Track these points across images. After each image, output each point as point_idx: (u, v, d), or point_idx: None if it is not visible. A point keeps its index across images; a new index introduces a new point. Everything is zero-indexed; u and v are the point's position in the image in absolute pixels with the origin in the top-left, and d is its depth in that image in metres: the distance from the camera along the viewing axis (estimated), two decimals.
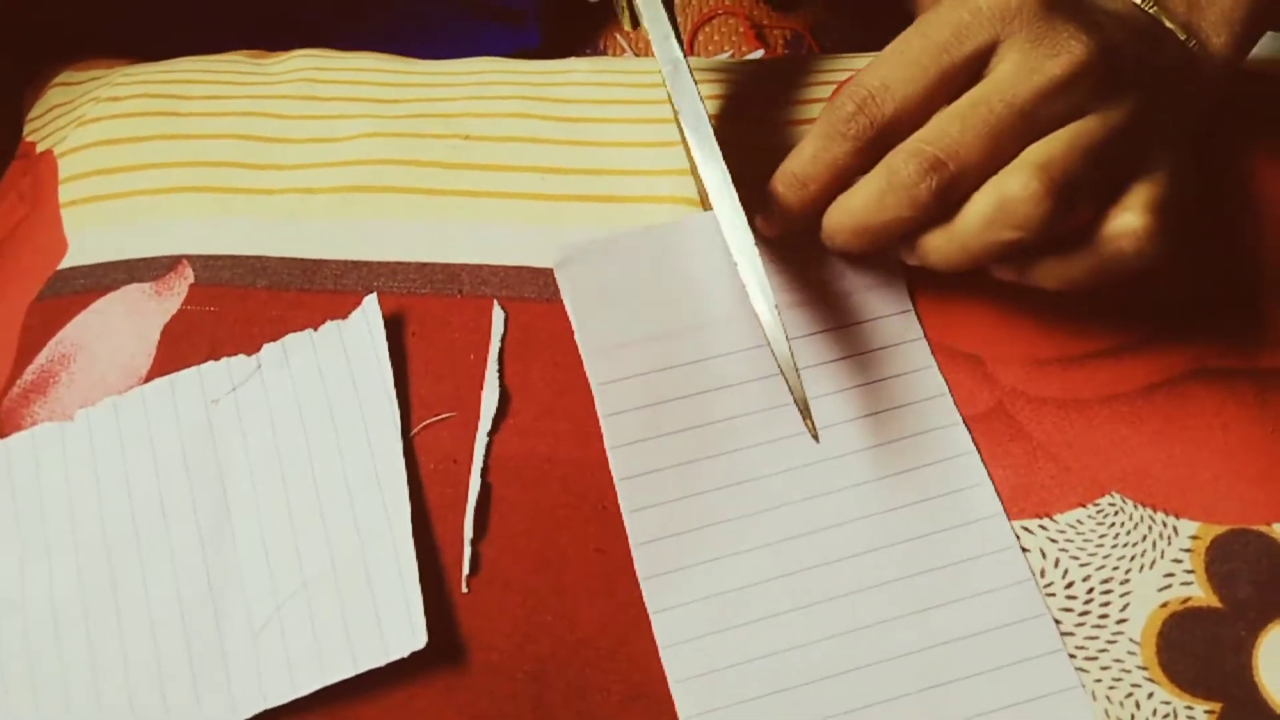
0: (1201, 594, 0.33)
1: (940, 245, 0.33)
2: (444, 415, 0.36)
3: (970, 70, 0.33)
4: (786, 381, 0.31)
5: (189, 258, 0.40)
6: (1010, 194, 0.31)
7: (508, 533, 0.35)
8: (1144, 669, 0.32)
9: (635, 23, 0.40)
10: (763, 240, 0.38)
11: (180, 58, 0.50)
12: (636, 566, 0.34)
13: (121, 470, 0.36)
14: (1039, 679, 0.32)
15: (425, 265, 0.39)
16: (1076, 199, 0.32)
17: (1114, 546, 0.34)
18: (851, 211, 0.34)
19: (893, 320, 0.37)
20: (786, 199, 0.35)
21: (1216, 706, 0.32)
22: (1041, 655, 0.32)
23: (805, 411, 0.31)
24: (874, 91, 0.33)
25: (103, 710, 0.33)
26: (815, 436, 0.31)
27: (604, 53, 0.62)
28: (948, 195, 0.32)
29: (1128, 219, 0.32)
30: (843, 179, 0.34)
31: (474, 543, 0.35)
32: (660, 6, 0.37)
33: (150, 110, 0.46)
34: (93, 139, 0.45)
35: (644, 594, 0.34)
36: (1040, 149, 0.32)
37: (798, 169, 0.35)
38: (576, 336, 0.37)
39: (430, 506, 0.35)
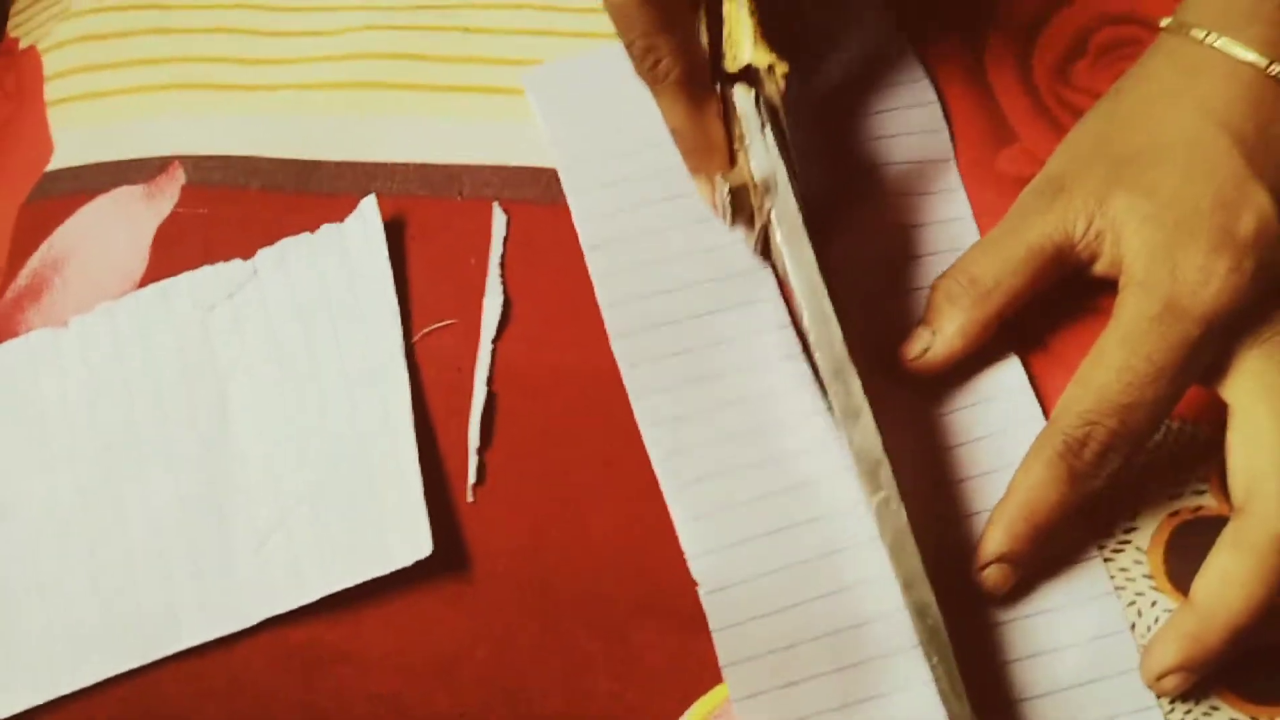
0: (1213, 503, 0.33)
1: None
2: (446, 322, 0.36)
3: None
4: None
5: (180, 158, 0.39)
6: None
7: (513, 442, 0.34)
8: (1149, 578, 0.32)
9: (766, 253, 0.35)
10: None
11: None
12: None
13: (119, 378, 0.35)
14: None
15: (425, 166, 0.38)
16: None
17: None
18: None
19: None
20: (1022, 550, 0.31)
21: None
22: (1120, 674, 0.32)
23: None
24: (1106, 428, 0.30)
25: (109, 616, 0.33)
26: None
27: None
28: None
29: None
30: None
31: (479, 452, 0.34)
32: (822, 290, 0.31)
33: (139, 3, 0.44)
34: (78, 34, 0.44)
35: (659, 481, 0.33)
36: None
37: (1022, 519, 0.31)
38: (553, 151, 0.37)
39: (434, 415, 0.35)
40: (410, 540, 0.32)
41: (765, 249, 0.35)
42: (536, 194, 0.37)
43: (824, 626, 0.32)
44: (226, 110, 0.40)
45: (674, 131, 0.34)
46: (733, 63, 0.33)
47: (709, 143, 0.33)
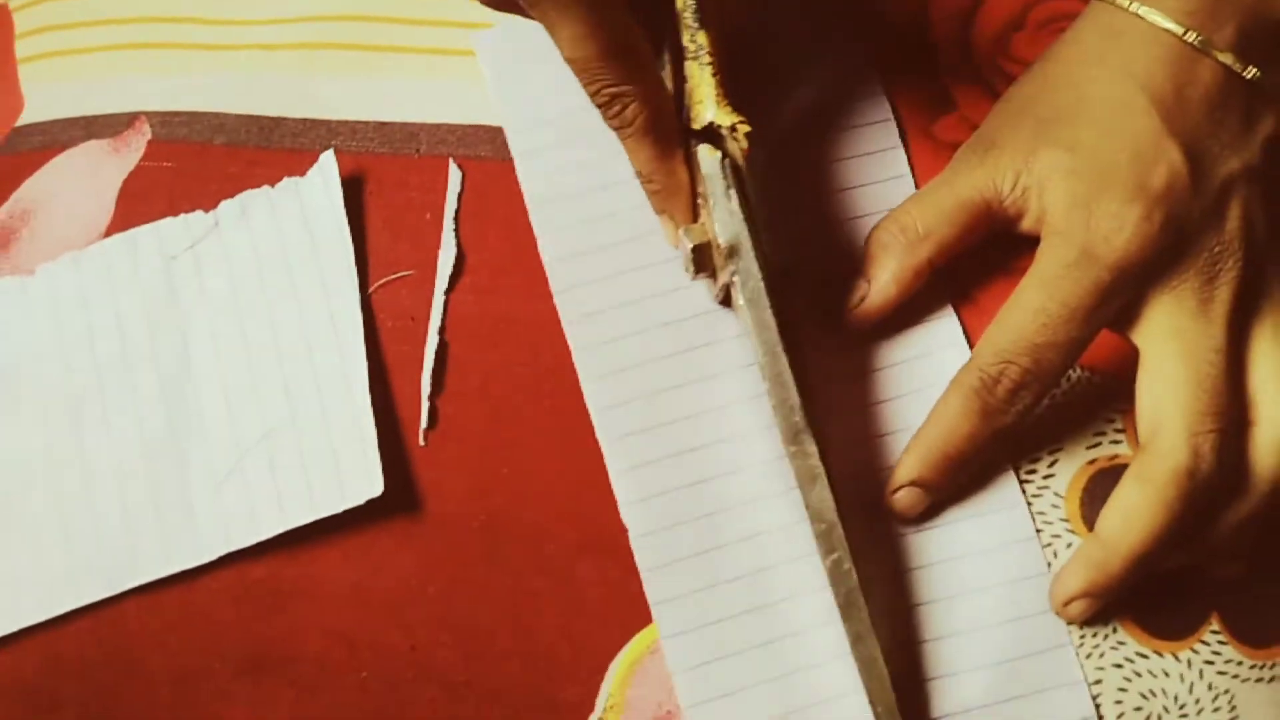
0: (1129, 452, 0.34)
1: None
2: (402, 273, 0.37)
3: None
4: None
5: (147, 114, 0.40)
6: None
7: (464, 389, 0.36)
8: (1066, 521, 0.34)
9: (727, 302, 0.35)
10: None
11: None
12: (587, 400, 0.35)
13: (84, 324, 0.36)
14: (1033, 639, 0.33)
15: (384, 124, 0.39)
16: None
17: (1047, 405, 0.35)
18: None
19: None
20: (931, 478, 0.33)
21: None
22: (1039, 614, 0.33)
23: None
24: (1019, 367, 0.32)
25: (74, 550, 0.34)
26: None
27: None
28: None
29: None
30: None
31: (431, 397, 0.36)
32: (781, 356, 0.31)
33: None
34: None
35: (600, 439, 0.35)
36: None
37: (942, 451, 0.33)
38: (501, 112, 0.38)
39: (388, 362, 0.36)
40: (363, 480, 0.34)
41: (727, 300, 0.35)
42: (491, 151, 0.38)
43: (742, 568, 0.34)
44: (192, 68, 0.41)
45: (639, 174, 0.34)
46: (696, 120, 0.33)
47: (675, 185, 0.33)
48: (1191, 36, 0.33)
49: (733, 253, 0.32)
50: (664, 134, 0.32)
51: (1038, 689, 0.32)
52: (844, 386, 0.35)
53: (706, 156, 0.32)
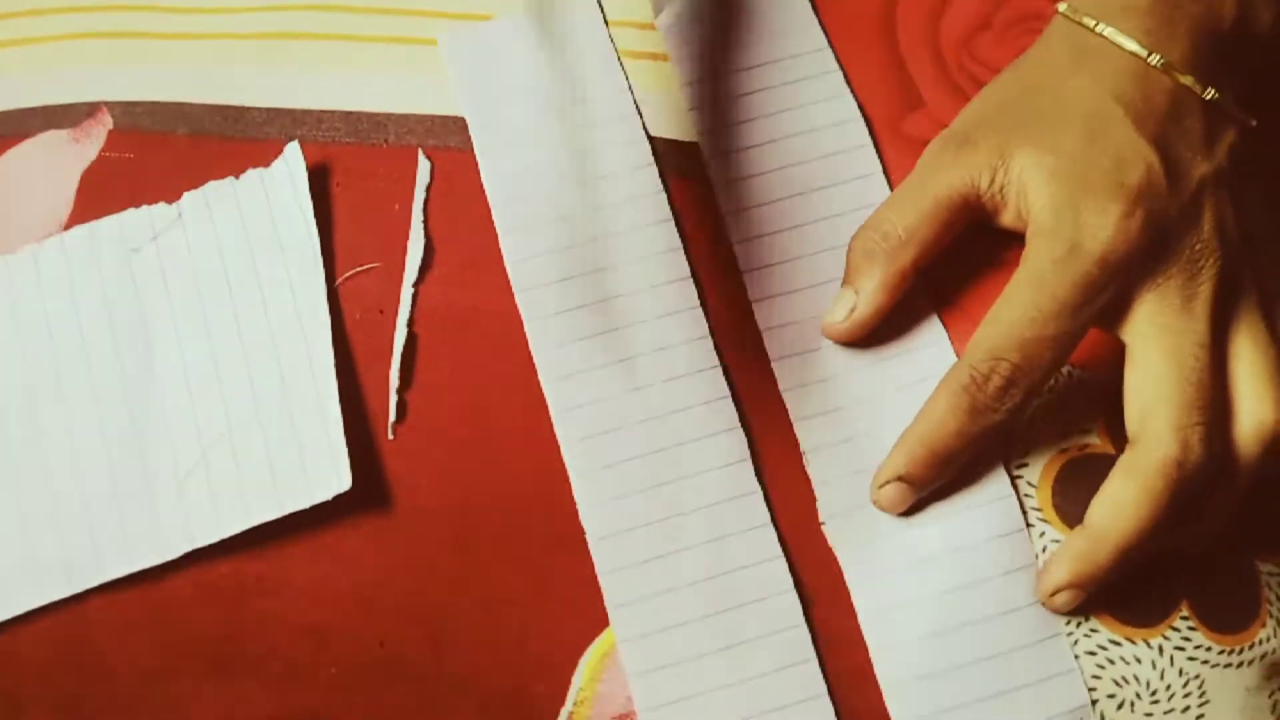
0: (1098, 441, 0.34)
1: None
2: (369, 265, 0.37)
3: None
4: None
5: (107, 104, 0.40)
6: None
7: (433, 382, 0.36)
8: (1038, 510, 0.34)
9: None
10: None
11: None
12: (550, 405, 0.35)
13: (43, 318, 0.36)
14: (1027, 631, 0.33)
15: (351, 114, 0.39)
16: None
17: None
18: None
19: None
20: (917, 474, 0.33)
21: None
22: (1030, 605, 0.33)
23: None
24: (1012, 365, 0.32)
25: (33, 549, 0.34)
26: None
27: None
28: None
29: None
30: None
31: (400, 391, 0.35)
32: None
33: None
34: None
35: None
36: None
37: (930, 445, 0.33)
38: (465, 109, 0.38)
39: (356, 355, 0.36)
40: (330, 474, 0.33)
41: None
42: (460, 142, 0.38)
43: (699, 573, 0.34)
44: (155, 58, 0.41)
45: None
46: None
47: None
48: (1154, 59, 0.33)
49: None
50: None
51: (1033, 680, 0.33)
52: (825, 386, 0.35)
53: None
